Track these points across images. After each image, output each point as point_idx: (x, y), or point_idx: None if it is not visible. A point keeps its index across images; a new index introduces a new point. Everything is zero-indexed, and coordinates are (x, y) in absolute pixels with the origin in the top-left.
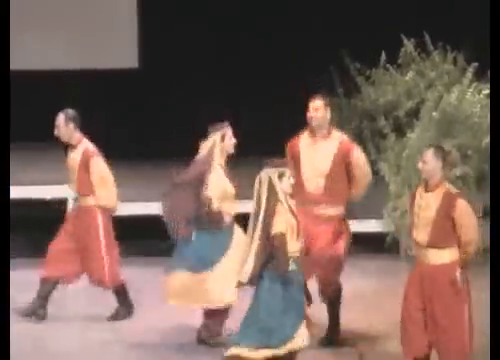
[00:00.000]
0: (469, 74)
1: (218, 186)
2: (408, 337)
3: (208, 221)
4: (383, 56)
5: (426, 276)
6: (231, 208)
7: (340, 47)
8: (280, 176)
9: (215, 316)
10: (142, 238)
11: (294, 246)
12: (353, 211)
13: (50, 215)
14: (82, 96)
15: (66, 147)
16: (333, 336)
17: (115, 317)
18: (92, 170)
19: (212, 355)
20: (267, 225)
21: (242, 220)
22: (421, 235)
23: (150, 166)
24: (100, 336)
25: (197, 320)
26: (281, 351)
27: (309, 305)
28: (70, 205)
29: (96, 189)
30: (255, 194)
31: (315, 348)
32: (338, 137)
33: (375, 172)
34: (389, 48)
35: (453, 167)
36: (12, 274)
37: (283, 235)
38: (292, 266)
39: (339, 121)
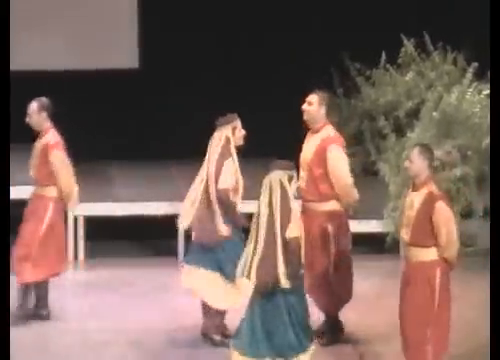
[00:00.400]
0: (469, 74)
1: (233, 179)
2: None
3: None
4: (383, 56)
5: (406, 273)
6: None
7: (340, 47)
8: (289, 180)
9: (217, 314)
10: (142, 238)
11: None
12: (353, 211)
13: None
14: (82, 96)
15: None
16: (333, 334)
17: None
18: (50, 162)
19: (214, 355)
20: (283, 230)
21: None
22: (404, 233)
23: (150, 166)
24: (100, 336)
25: (197, 320)
26: None
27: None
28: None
29: (52, 181)
30: (265, 196)
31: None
32: (327, 132)
33: (375, 172)
34: (389, 48)
35: (453, 167)
36: (12, 274)
37: (298, 239)
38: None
39: (339, 121)
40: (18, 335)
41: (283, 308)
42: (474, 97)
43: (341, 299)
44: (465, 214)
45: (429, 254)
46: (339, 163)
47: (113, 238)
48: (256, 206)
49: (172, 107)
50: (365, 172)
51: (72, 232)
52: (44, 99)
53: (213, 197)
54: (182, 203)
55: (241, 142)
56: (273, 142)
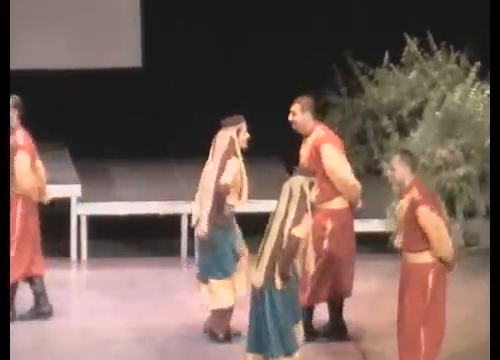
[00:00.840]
0: (472, 74)
1: (235, 175)
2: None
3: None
4: (386, 56)
5: (402, 275)
6: (235, 202)
7: (343, 46)
8: (310, 186)
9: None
10: (144, 237)
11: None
12: (355, 211)
13: (50, 215)
14: (85, 95)
15: None
16: (335, 329)
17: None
18: (15, 161)
19: (217, 352)
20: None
21: (242, 220)
22: (399, 238)
23: (152, 165)
24: (103, 334)
25: (200, 319)
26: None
27: None
28: (73, 205)
29: (17, 178)
30: (284, 196)
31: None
32: (316, 134)
33: (378, 172)
34: (392, 47)
35: (456, 167)
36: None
37: (299, 240)
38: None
39: (342, 121)
40: (20, 333)
41: (267, 308)
42: (477, 96)
43: (342, 285)
44: (468, 213)
45: (423, 257)
46: (333, 160)
47: (116, 237)
48: (264, 206)
49: (175, 106)
50: (368, 171)
51: (75, 231)
52: (16, 97)
53: (211, 191)
54: (183, 202)
55: (244, 145)
56: (273, 142)
